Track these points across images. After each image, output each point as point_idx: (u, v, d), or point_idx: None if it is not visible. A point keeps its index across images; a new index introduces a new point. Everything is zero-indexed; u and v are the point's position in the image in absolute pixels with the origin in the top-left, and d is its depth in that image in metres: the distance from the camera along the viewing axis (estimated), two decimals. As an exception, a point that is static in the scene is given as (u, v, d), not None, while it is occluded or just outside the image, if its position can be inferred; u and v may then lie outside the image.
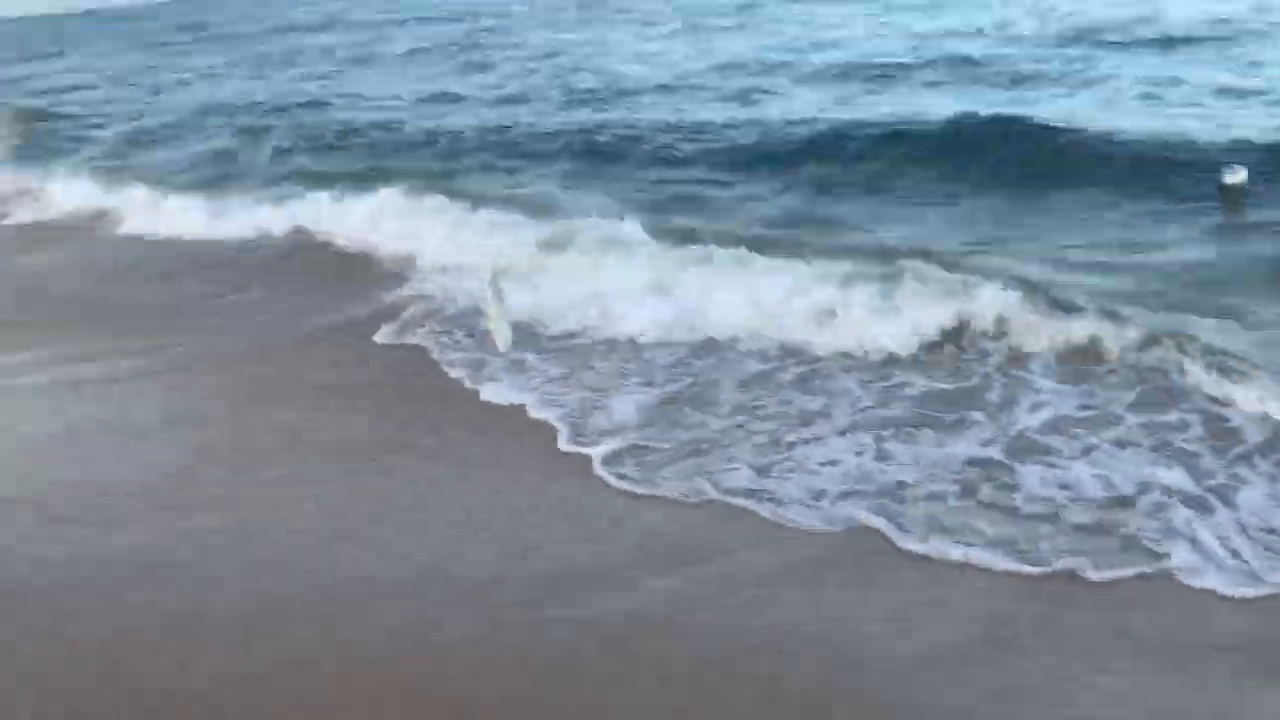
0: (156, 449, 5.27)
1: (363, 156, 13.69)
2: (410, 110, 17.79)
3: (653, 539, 4.19)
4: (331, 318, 7.41)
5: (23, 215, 12.28)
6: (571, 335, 6.47)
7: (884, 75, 16.13)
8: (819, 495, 4.38)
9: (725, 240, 7.70)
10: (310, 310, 7.65)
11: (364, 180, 12.06)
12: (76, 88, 28.34)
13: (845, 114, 13.02)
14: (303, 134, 15.41)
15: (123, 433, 5.52)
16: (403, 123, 16.04)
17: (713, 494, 4.47)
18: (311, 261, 9.00)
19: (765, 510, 4.30)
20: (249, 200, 11.21)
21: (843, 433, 4.94)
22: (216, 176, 13.48)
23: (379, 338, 6.83)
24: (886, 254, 7.46)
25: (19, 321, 7.83)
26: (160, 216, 11.07)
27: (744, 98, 15.74)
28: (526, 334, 6.49)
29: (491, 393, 5.69)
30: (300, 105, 18.50)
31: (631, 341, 6.27)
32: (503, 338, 3.39)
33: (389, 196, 10.33)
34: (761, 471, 4.62)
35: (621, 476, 4.68)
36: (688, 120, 13.84)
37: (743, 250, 7.36)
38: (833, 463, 4.67)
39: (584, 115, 14.97)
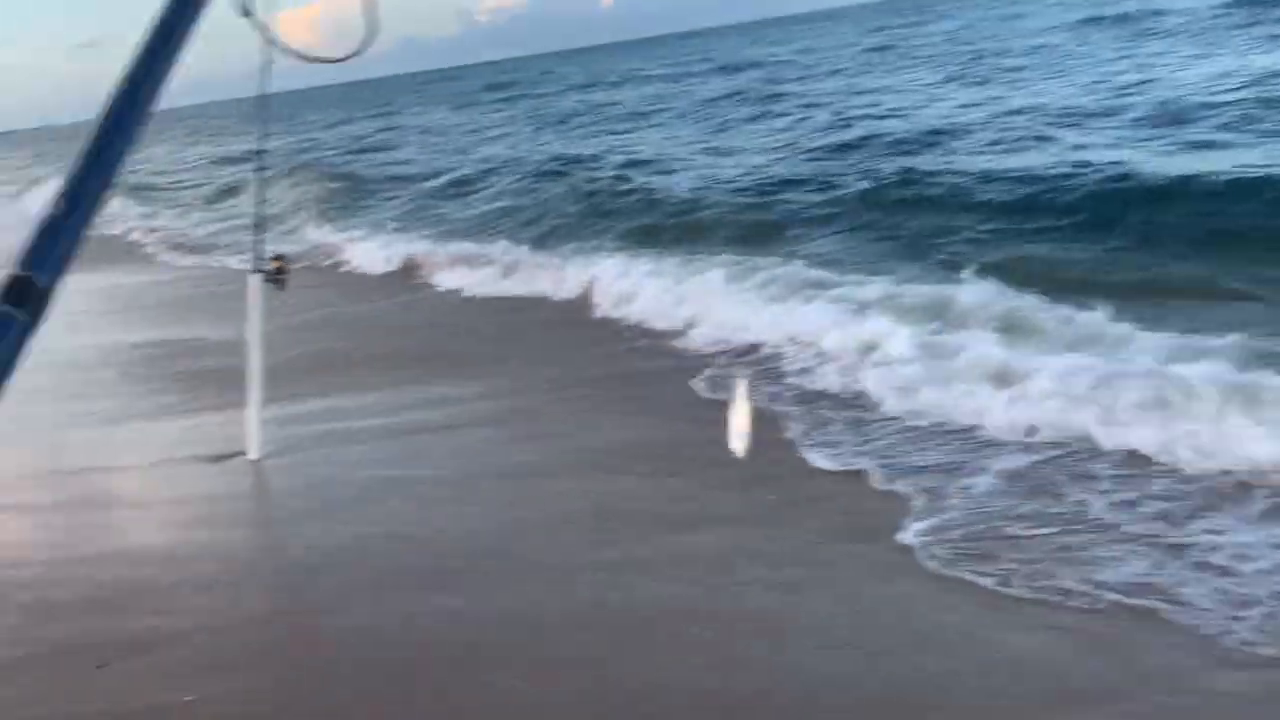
0: (476, 506, 5.17)
1: (648, 211, 13.61)
2: (695, 162, 17.80)
3: (1040, 657, 3.52)
4: (637, 371, 7.28)
5: (343, 268, 13.06)
6: (914, 415, 5.71)
7: (1204, 119, 14.56)
8: (1245, 603, 3.58)
9: (1070, 303, 6.90)
10: (613, 363, 7.57)
11: (653, 234, 12.09)
12: (387, 146, 30.49)
13: (1158, 161, 11.80)
14: (592, 189, 15.59)
15: (442, 485, 5.50)
16: (689, 175, 16.02)
17: (1099, 595, 3.79)
18: (607, 319, 8.89)
19: (1178, 623, 3.54)
20: (545, 256, 11.44)
21: (1253, 523, 4.12)
22: (511, 231, 13.82)
23: (697, 391, 6.58)
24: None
25: (352, 366, 8.16)
26: (461, 270, 11.41)
27: (1047, 142, 14.76)
28: (866, 407, 6.00)
29: (824, 459, 5.24)
30: (594, 159, 18.85)
31: (982, 425, 5.46)
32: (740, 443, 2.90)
33: (680, 252, 10.25)
34: (1158, 565, 3.88)
35: (982, 572, 4.03)
36: (987, 167, 13.02)
37: (1097, 316, 6.52)
38: (1246, 558, 3.88)
39: (877, 165, 14.41)
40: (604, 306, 9.12)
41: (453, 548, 4.70)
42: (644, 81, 42.64)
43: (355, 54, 1.67)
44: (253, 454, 5.87)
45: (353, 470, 5.78)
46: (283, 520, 5.35)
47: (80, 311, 10.51)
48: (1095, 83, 19.67)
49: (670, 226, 12.45)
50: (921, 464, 5.08)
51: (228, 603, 4.28)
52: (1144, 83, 18.47)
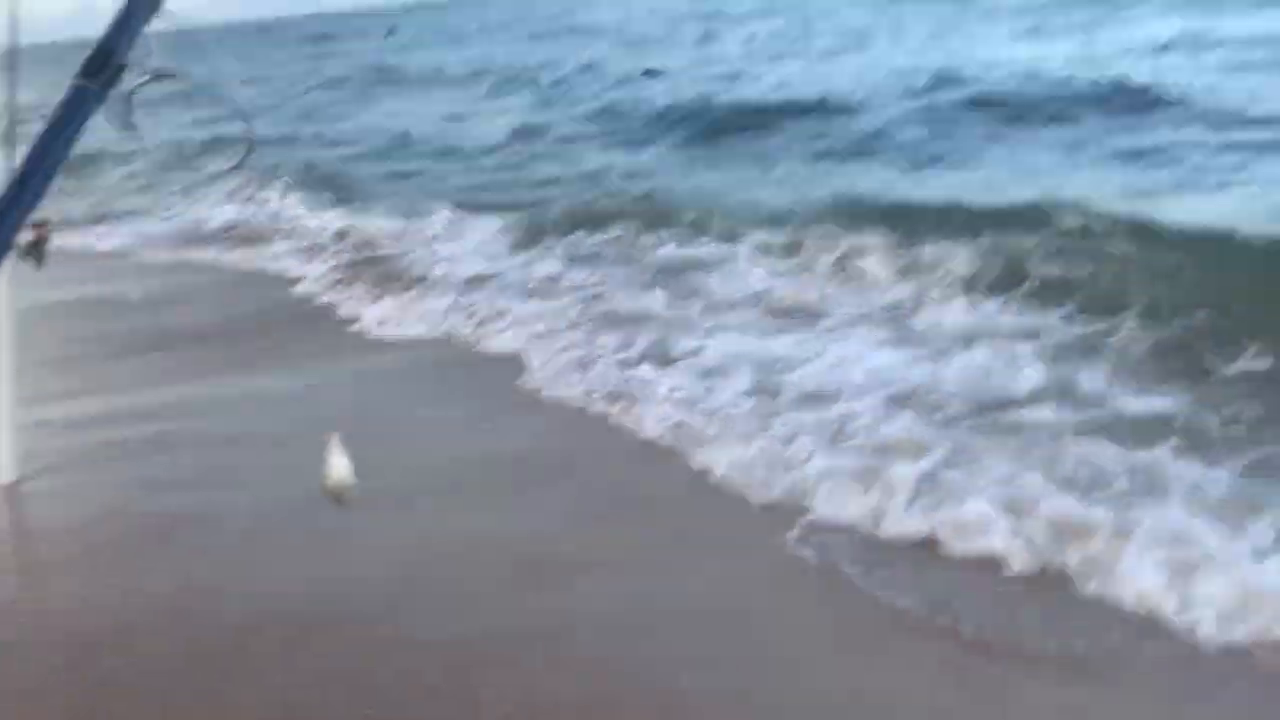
0: (293, 551, 4.17)
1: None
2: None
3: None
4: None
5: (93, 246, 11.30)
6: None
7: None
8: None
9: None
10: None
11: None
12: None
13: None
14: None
15: (260, 518, 4.46)
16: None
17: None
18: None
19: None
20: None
21: None
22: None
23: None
24: None
25: (128, 357, 6.88)
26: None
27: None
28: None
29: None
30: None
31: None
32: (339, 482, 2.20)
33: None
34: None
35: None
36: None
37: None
38: None
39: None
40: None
41: (270, 609, 3.67)
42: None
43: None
44: (5, 476, 4.69)
45: (146, 496, 4.65)
46: (50, 572, 4.14)
47: None
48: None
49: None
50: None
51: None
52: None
